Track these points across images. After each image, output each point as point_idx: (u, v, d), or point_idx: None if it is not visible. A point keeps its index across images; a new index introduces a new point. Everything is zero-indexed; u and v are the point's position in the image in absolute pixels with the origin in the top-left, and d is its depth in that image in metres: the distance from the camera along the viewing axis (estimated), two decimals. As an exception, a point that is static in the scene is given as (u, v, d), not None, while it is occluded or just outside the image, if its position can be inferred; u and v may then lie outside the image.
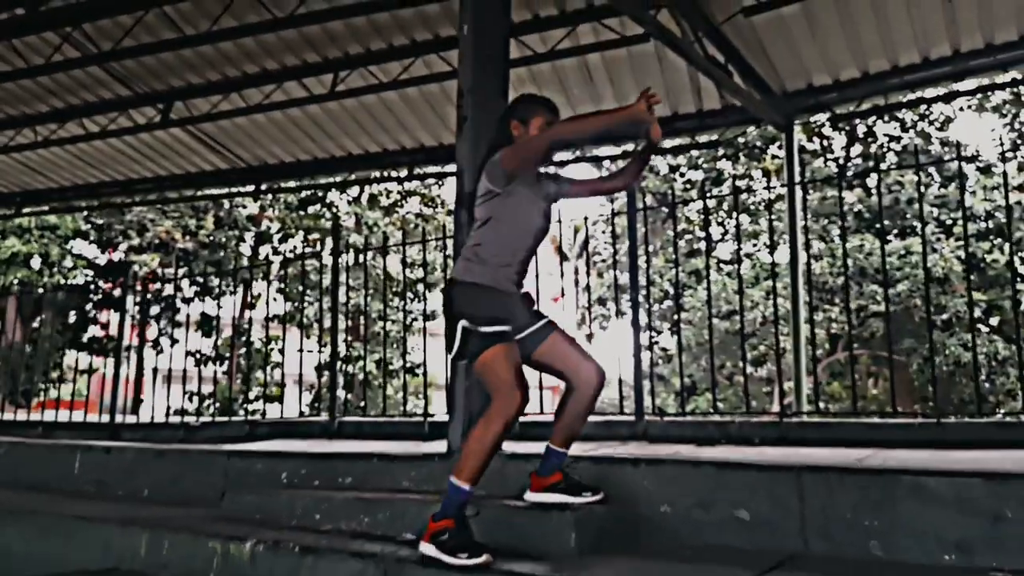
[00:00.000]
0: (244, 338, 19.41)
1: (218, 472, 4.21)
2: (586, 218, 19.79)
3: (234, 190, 10.77)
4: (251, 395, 17.07)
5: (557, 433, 2.82)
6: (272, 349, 17.49)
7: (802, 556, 2.55)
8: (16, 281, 18.66)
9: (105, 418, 7.82)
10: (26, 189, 11.06)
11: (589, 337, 15.63)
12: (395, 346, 15.64)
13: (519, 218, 2.76)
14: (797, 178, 7.68)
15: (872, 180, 15.54)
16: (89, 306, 21.36)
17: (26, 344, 19.85)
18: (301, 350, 11.86)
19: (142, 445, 5.18)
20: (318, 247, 21.42)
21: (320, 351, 17.96)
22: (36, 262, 19.47)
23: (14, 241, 18.70)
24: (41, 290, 17.95)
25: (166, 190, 10.49)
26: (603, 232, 21.57)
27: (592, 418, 4.99)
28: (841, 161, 19.10)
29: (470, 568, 2.39)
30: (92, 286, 21.04)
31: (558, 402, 2.84)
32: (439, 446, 4.15)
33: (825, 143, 19.36)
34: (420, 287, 18.69)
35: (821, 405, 8.18)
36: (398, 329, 16.62)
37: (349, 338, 17.99)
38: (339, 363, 7.60)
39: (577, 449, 3.44)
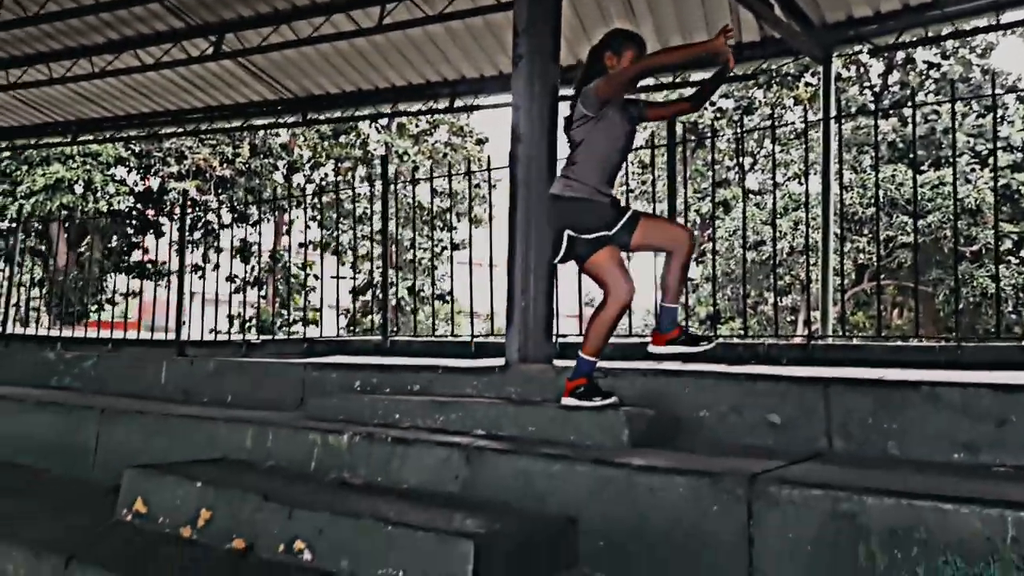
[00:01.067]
0: (280, 264, 19.99)
1: (295, 381, 4.61)
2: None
3: (280, 120, 11.01)
4: (289, 318, 17.73)
5: (666, 292, 3.33)
6: (308, 275, 18.04)
7: (827, 454, 2.86)
8: (61, 206, 19.25)
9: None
10: (81, 118, 11.43)
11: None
12: (426, 274, 16.13)
13: (609, 139, 3.20)
14: (833, 111, 7.75)
15: (908, 110, 15.35)
16: (132, 231, 21.99)
17: (73, 267, 20.61)
18: (336, 276, 12.31)
19: (221, 359, 5.64)
20: (349, 176, 21.74)
21: (354, 277, 18.50)
22: (79, 188, 19.99)
23: (58, 167, 19.19)
24: (85, 215, 18.49)
25: (215, 120, 10.79)
26: (629, 163, 21.53)
27: (627, 340, 5.40)
28: (877, 89, 18.77)
29: (603, 407, 3.09)
30: (134, 212, 21.60)
31: (663, 267, 3.35)
32: (493, 361, 4.55)
33: (862, 70, 18.99)
34: (462, 218, 18.97)
35: (847, 334, 8.47)
36: (429, 257, 17.09)
37: (380, 265, 18.47)
38: (382, 288, 8.01)
39: (621, 364, 3.82)
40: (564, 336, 6.19)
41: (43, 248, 21.25)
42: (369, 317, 19.37)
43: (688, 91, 4.37)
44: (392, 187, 7.27)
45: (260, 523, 2.59)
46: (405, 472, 2.97)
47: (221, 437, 3.62)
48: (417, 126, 22.83)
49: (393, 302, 18.66)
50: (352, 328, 17.87)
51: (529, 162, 4.31)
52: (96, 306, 18.03)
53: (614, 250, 3.16)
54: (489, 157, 6.85)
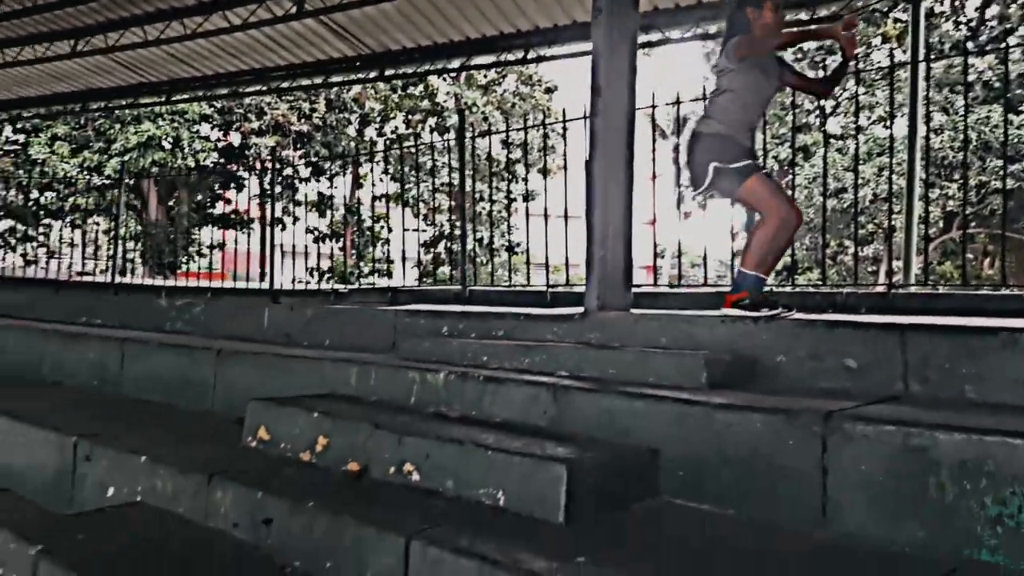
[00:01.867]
0: (356, 217, 20.58)
1: (387, 327, 4.92)
2: (678, 96, 19.24)
3: (358, 76, 11.29)
4: (367, 269, 18.35)
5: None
6: (382, 227, 18.53)
7: (902, 396, 2.92)
8: (153, 163, 20.26)
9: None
10: (173, 78, 11.99)
11: (687, 215, 15.74)
12: (497, 225, 16.36)
13: (749, 88, 3.53)
14: (922, 52, 7.44)
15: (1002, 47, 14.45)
16: (218, 185, 22.97)
17: (166, 221, 21.76)
18: (417, 229, 12.67)
19: (317, 306, 6.01)
20: (420, 128, 22.00)
21: (427, 229, 18.87)
22: (167, 145, 20.95)
23: (149, 125, 20.14)
24: (178, 171, 19.43)
25: (296, 78, 11.16)
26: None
27: (700, 289, 5.53)
28: (973, 24, 17.67)
29: (770, 317, 3.43)
30: (220, 167, 22.54)
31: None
32: (572, 309, 4.73)
33: (957, 3, 17.88)
34: (531, 168, 19.05)
35: (930, 283, 8.23)
36: (498, 209, 17.30)
37: (453, 217, 18.81)
38: (460, 239, 8.25)
39: (697, 312, 3.95)
40: (639, 286, 6.33)
41: (137, 203, 22.45)
42: (440, 269, 19.86)
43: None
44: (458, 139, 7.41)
45: (372, 449, 2.89)
46: (496, 408, 3.20)
47: (328, 375, 3.93)
48: (485, 76, 22.78)
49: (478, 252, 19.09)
50: (425, 279, 18.37)
51: (607, 114, 4.37)
52: (187, 258, 19.07)
53: (763, 174, 3.47)
54: (564, 110, 6.93)
